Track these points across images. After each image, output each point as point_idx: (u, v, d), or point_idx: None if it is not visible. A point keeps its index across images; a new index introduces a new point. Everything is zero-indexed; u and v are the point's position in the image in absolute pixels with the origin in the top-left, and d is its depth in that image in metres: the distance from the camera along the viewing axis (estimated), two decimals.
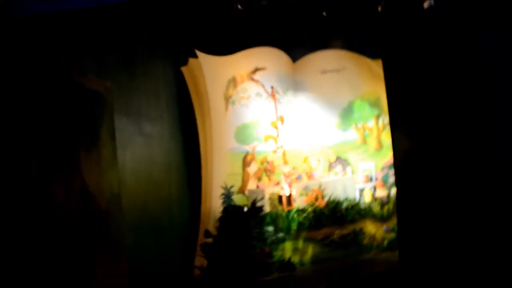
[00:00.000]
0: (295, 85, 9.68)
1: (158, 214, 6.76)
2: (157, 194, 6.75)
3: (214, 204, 8.13)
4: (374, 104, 9.84)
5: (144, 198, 6.34)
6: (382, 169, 9.66)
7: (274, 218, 8.18)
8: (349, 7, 9.16)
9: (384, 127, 9.84)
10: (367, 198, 9.26)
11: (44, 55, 4.79)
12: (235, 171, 8.52)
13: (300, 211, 8.42)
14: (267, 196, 8.32)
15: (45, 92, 4.50)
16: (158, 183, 6.83)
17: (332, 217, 8.48)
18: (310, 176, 9.23)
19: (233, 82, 8.72)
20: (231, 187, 8.37)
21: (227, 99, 8.60)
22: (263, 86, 9.14)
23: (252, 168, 8.74)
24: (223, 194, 8.27)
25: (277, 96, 9.28)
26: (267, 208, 8.28)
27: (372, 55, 9.74)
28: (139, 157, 6.41)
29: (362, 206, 8.81)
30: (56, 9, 5.46)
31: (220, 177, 8.28)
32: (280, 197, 8.42)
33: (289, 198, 8.41)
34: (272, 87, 9.16)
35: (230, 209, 7.99)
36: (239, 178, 8.58)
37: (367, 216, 8.66)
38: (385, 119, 9.83)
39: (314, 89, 9.73)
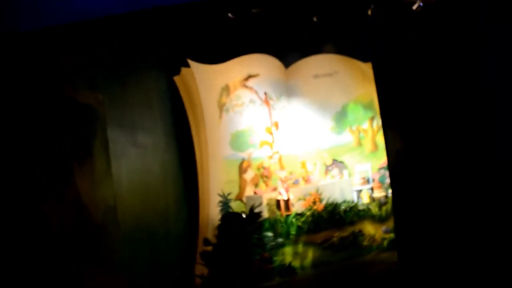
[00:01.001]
0: (288, 90, 9.63)
1: (155, 225, 6.65)
2: (153, 205, 6.65)
3: (212, 212, 8.04)
4: (368, 106, 9.78)
5: (140, 209, 6.24)
6: (379, 170, 9.58)
7: (272, 223, 8.08)
8: (339, 12, 9.13)
9: (378, 129, 9.77)
10: (364, 200, 9.16)
11: (36, 71, 4.73)
12: (231, 179, 8.44)
13: (299, 215, 8.32)
14: (265, 202, 8.23)
15: (38, 107, 4.44)
16: (154, 194, 6.73)
17: (331, 220, 8.37)
18: (307, 180, 9.14)
19: (226, 90, 8.65)
20: (229, 194, 8.29)
21: (221, 107, 8.52)
22: (256, 92, 9.07)
23: (249, 175, 8.65)
24: (220, 201, 8.18)
25: (270, 102, 9.22)
26: (265, 214, 8.18)
27: (363, 58, 9.67)
28: (134, 168, 6.32)
29: (360, 207, 8.70)
30: (47, 24, 5.39)
31: (217, 185, 8.19)
32: (278, 202, 8.33)
33: (287, 203, 8.32)
34: (265, 93, 9.10)
35: (228, 216, 7.89)
36: (236, 185, 8.49)
37: (365, 217, 8.56)
38: (379, 120, 9.75)
39: (307, 94, 9.67)
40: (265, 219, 8.05)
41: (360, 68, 9.66)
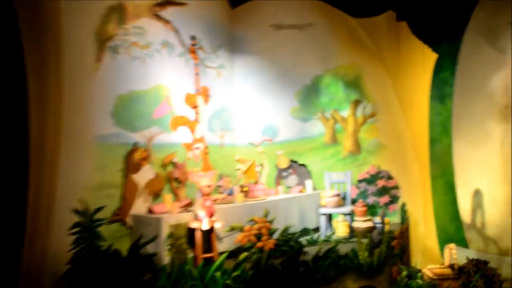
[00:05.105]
0: (233, 42, 5.56)
1: None
2: None
3: (55, 242, 3.58)
4: (352, 83, 5.87)
5: None
6: (359, 183, 5.50)
7: (176, 275, 3.67)
8: None
9: (365, 120, 5.70)
10: (340, 232, 5.03)
11: None
12: (107, 180, 3.99)
13: (230, 258, 3.94)
14: (166, 230, 3.85)
15: None
16: None
17: (288, 272, 4.06)
18: (248, 192, 4.84)
19: (118, 12, 4.22)
20: (97, 209, 3.79)
21: (103, 41, 4.07)
22: (177, 32, 4.78)
23: (144, 175, 4.26)
24: (78, 224, 3.69)
25: (200, 54, 4.98)
26: (164, 254, 3.80)
27: (354, 11, 5.78)
28: None
29: (340, 249, 4.43)
30: None
31: (74, 190, 3.71)
32: (191, 234, 3.92)
33: (208, 236, 3.94)
34: (193, 38, 4.78)
35: (89, 254, 3.52)
36: (116, 193, 4.07)
37: (348, 270, 4.32)
38: (367, 107, 5.68)
39: (262, 52, 5.63)
40: (163, 267, 3.68)
41: (348, 25, 5.62)
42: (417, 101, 5.95)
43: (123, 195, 4.08)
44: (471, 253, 5.13)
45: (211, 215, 3.85)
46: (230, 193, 4.79)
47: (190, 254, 3.88)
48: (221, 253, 3.90)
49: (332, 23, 5.77)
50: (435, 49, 5.86)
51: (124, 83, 4.18)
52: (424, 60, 5.95)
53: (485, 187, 5.26)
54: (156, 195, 4.35)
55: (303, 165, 5.69)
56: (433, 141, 5.87)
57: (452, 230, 5.66)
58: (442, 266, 4.79)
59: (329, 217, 5.27)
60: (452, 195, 5.62)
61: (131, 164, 4.17)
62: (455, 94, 5.52)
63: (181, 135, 4.61)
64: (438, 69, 5.83)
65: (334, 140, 5.78)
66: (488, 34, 5.34)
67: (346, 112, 5.80)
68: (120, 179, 4.08)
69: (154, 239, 3.77)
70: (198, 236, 3.84)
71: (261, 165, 5.51)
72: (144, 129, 4.31)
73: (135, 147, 4.20)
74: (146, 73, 4.37)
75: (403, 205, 5.50)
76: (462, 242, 5.44)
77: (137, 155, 4.20)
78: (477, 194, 5.32)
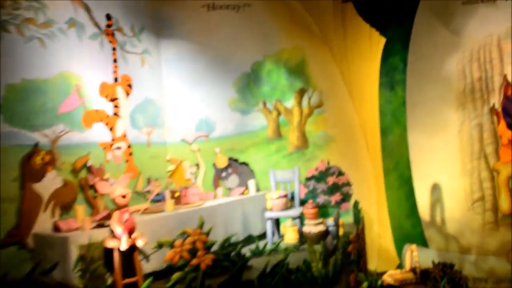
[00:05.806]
0: (159, 23, 4.83)
1: None
2: None
3: None
4: (296, 70, 5.27)
5: None
6: (307, 181, 4.95)
7: None
8: None
9: (311, 110, 5.12)
10: (290, 239, 4.43)
11: None
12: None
13: (160, 280, 3.22)
14: (75, 252, 3.06)
15: None
16: None
17: None
18: (180, 198, 4.11)
19: None
20: None
21: None
22: (87, 10, 3.95)
23: (49, 184, 3.44)
24: None
25: (119, 36, 4.17)
26: (74, 283, 3.02)
27: None
28: None
29: (291, 262, 3.77)
30: None
31: None
32: (108, 254, 3.15)
33: (130, 256, 3.18)
34: (109, 18, 4.01)
35: None
36: (10, 209, 3.24)
37: (300, 285, 3.68)
38: (313, 96, 5.11)
39: (194, 35, 5.04)
40: None
41: (289, 5, 5.16)
42: (366, 89, 5.45)
43: (20, 210, 3.25)
44: (432, 253, 4.69)
45: (131, 231, 3.10)
46: (160, 200, 4.06)
47: (108, 280, 3.12)
48: (148, 275, 3.19)
49: (272, 4, 5.16)
50: (383, 33, 5.39)
51: (15, 70, 3.34)
52: (372, 45, 5.47)
53: (443, 180, 4.82)
54: (67, 208, 3.55)
55: (244, 163, 5.05)
56: (384, 131, 5.40)
57: (408, 226, 5.20)
58: (403, 271, 4.28)
59: (276, 221, 4.65)
60: (407, 189, 5.15)
61: (30, 171, 3.33)
62: (408, 80, 5.04)
63: (97, 133, 3.83)
64: (387, 54, 5.36)
65: (278, 134, 5.16)
66: (441, 15, 4.90)
67: (290, 103, 5.20)
68: (15, 190, 3.24)
69: (56, 265, 2.98)
70: (117, 257, 3.08)
71: (197, 165, 4.82)
72: (47, 127, 3.48)
73: (35, 150, 3.37)
74: (46, 57, 3.54)
75: (356, 203, 4.97)
76: (420, 240, 4.99)
77: (38, 159, 3.37)
78: (435, 187, 4.87)
